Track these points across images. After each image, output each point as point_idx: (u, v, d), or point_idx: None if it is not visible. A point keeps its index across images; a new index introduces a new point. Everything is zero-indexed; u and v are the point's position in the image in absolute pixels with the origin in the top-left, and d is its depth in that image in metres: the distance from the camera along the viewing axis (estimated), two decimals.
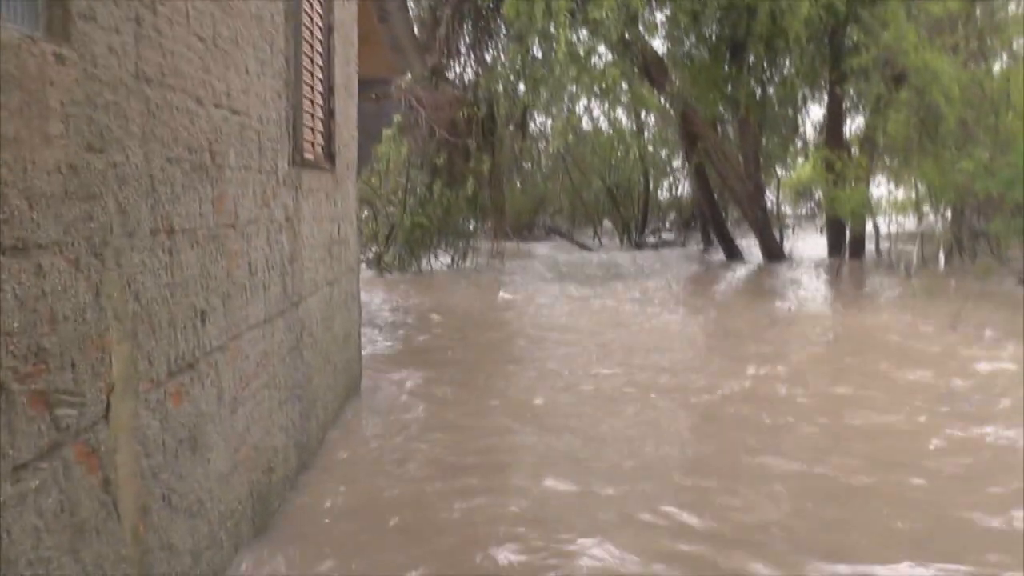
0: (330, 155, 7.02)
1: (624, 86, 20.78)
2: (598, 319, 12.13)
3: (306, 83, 6.09)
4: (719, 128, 22.00)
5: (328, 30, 7.01)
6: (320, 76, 6.72)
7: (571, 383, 8.22)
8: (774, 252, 21.05)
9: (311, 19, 6.32)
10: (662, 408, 7.34)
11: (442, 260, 19.32)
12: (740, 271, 19.47)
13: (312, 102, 6.34)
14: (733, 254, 22.35)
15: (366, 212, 19.49)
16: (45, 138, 2.46)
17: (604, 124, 27.62)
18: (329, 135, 7.01)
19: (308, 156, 6.10)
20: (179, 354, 3.47)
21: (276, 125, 5.12)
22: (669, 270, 19.50)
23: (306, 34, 6.12)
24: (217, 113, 3.96)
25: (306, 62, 6.10)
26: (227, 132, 4.10)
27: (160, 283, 3.28)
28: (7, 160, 2.26)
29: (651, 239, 26.86)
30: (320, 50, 6.73)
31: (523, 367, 8.99)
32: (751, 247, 22.34)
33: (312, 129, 6.33)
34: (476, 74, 19.62)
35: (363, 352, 8.82)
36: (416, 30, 18.86)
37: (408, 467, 5.84)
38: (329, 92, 7.02)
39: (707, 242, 24.20)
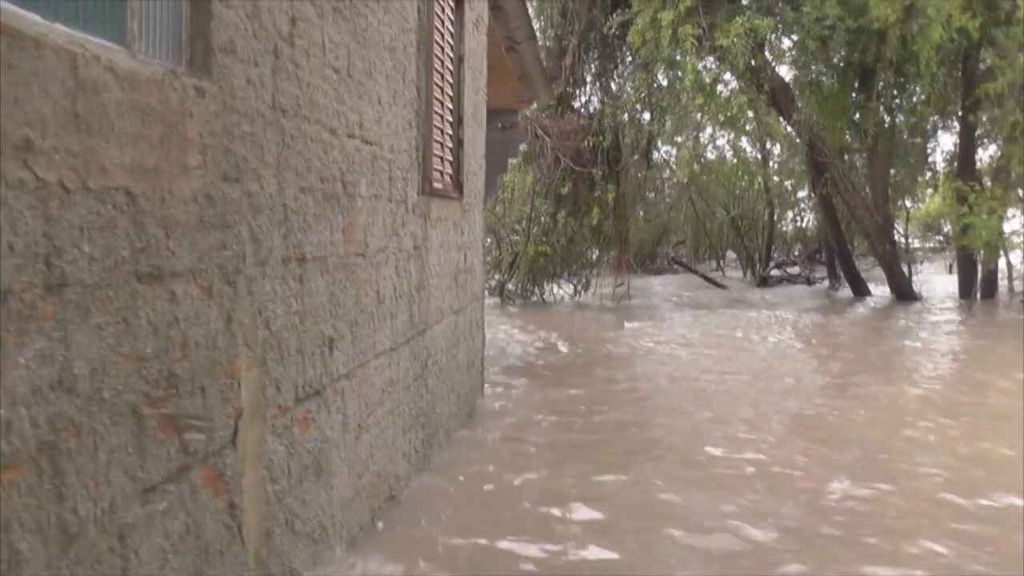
0: (458, 184, 7.07)
1: (750, 114, 20.53)
2: (727, 354, 11.85)
3: (436, 113, 6.16)
4: (846, 158, 21.46)
5: (458, 60, 7.08)
6: (450, 106, 6.79)
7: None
8: (903, 289, 20.32)
9: (442, 49, 6.38)
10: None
11: (565, 289, 19.30)
12: (868, 311, 18.79)
13: (442, 131, 6.40)
14: (861, 290, 21.71)
15: (490, 240, 19.61)
16: (183, 168, 2.51)
17: (729, 153, 27.37)
18: (458, 164, 7.06)
19: (437, 185, 6.15)
20: (307, 381, 3.51)
21: (407, 154, 5.17)
22: (794, 305, 18.99)
23: (437, 64, 6.19)
24: (350, 143, 4.02)
25: (436, 92, 6.17)
26: (359, 162, 4.15)
27: (290, 311, 3.33)
28: (146, 190, 2.32)
29: (775, 272, 26.32)
30: (450, 80, 6.80)
31: (635, 399, 8.86)
32: (879, 282, 21.70)
33: (441, 158, 6.38)
34: (602, 103, 19.59)
35: (485, 379, 8.85)
36: (543, 59, 19.03)
37: (518, 497, 5.78)
38: (458, 121, 7.09)
39: (833, 276, 23.60)
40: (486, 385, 8.86)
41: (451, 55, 6.85)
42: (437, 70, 6.21)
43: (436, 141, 6.16)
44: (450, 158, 6.81)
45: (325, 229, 3.71)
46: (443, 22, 6.42)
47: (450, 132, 6.81)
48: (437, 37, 6.19)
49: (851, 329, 14.73)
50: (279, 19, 3.20)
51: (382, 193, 4.60)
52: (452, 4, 6.81)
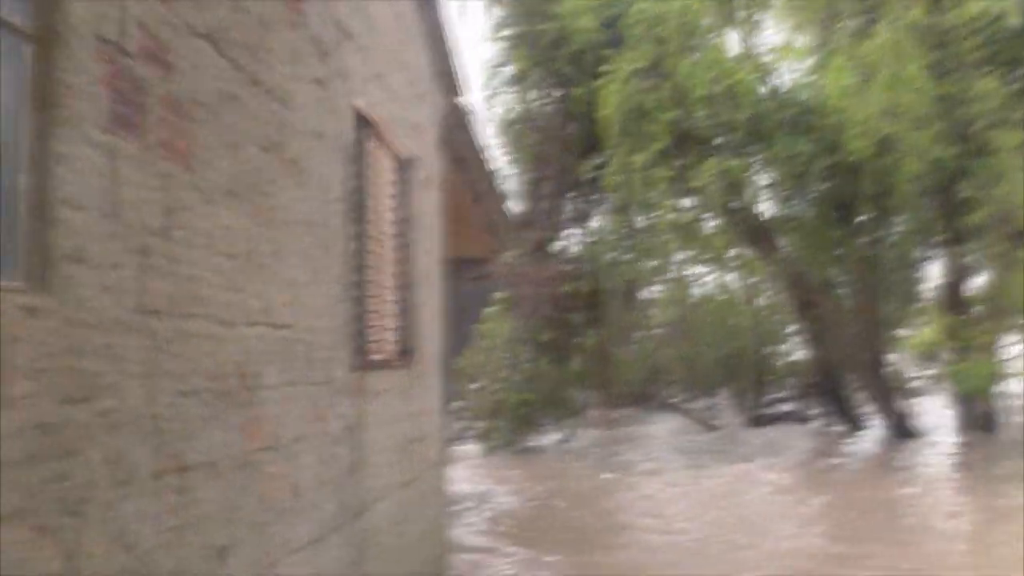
0: (406, 351, 6.82)
1: (732, 252, 20.49)
2: (708, 510, 11.36)
3: (374, 281, 5.95)
4: (833, 292, 21.19)
5: (404, 222, 6.92)
6: (394, 271, 6.60)
7: None
8: (900, 426, 19.70)
9: (381, 215, 6.21)
10: None
11: (550, 436, 18.89)
12: (860, 450, 18.27)
13: (382, 300, 6.18)
14: (855, 426, 21.20)
15: (474, 385, 19.34)
16: (5, 402, 2.26)
17: (715, 290, 27.20)
18: (405, 331, 6.83)
19: (376, 357, 5.91)
20: None
21: (333, 332, 4.93)
22: (786, 448, 18.47)
23: (374, 231, 6.01)
24: (251, 332, 3.78)
25: (374, 260, 5.97)
26: (264, 351, 3.91)
27: (163, 528, 3.04)
28: None
29: (768, 410, 25.80)
30: (394, 244, 6.62)
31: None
32: (875, 417, 21.17)
33: (382, 328, 6.15)
34: (580, 246, 19.56)
35: (454, 536, 8.56)
36: (519, 204, 19.07)
37: None
38: (405, 285, 6.88)
39: (828, 414, 23.05)
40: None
41: (395, 218, 6.69)
42: (375, 237, 6.03)
43: (375, 312, 5.94)
44: (395, 325, 6.58)
45: (217, 430, 3.44)
46: (382, 186, 6.28)
47: (395, 298, 6.60)
48: (374, 203, 6.03)
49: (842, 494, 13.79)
50: (149, 213, 2.99)
51: (298, 379, 4.35)
52: (395, 165, 6.68)
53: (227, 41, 3.62)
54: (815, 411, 24.30)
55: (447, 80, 8.63)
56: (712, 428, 23.27)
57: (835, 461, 16.84)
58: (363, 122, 5.75)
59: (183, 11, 3.25)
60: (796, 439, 20.36)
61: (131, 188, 2.87)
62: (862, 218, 18.93)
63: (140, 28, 2.94)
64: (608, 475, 14.40)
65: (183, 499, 3.18)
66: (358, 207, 5.65)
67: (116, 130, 2.78)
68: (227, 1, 3.65)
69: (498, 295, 17.53)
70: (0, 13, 2.39)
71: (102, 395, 2.69)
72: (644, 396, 27.38)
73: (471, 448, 18.18)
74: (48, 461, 2.43)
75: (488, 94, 19.80)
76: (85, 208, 2.62)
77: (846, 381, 22.75)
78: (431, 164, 8.02)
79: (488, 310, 17.30)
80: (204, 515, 3.33)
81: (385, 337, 6.27)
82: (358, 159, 5.66)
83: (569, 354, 18.17)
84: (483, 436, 18.29)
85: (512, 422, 18.11)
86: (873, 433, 20.31)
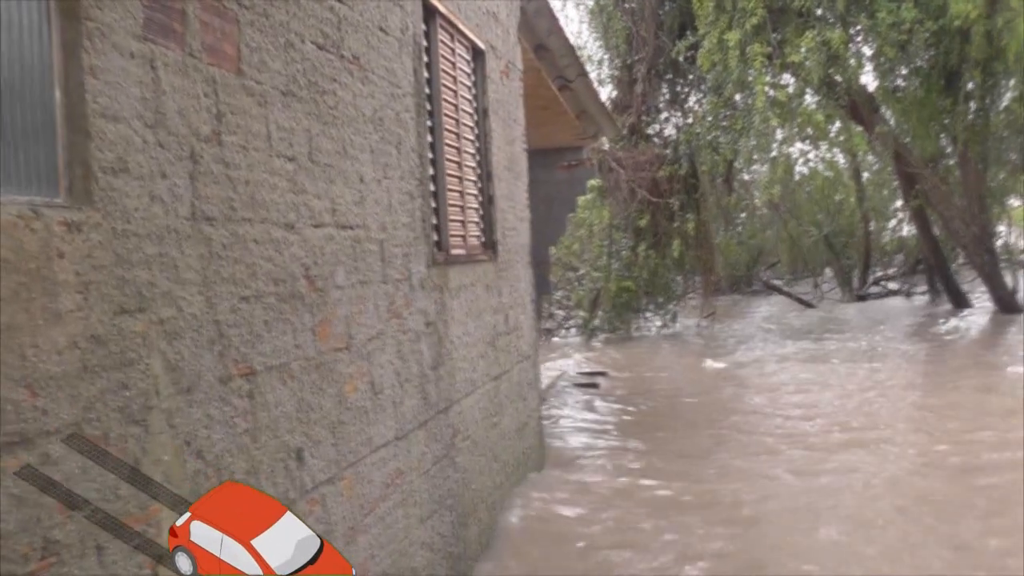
0: (490, 243, 6.79)
1: (834, 128, 19.86)
2: (816, 399, 11.06)
3: (452, 175, 5.90)
4: (939, 165, 20.41)
5: (482, 113, 6.82)
6: (473, 163, 6.53)
7: None
8: (1006, 301, 19.18)
9: (455, 107, 6.12)
10: None
11: (651, 323, 18.80)
12: (966, 326, 17.78)
13: (462, 193, 6.13)
14: (960, 303, 20.69)
15: (571, 275, 19.31)
16: (53, 316, 2.28)
17: (818, 168, 26.50)
18: (488, 223, 6.79)
19: (458, 251, 5.89)
20: None
21: (407, 228, 4.90)
22: (890, 327, 18.04)
23: (450, 124, 5.93)
24: (316, 233, 3.76)
25: (451, 153, 5.92)
26: (331, 251, 3.90)
27: (235, 432, 3.07)
28: None
29: (874, 288, 25.34)
30: (471, 136, 6.53)
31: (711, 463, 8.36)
32: (982, 294, 20.57)
33: (463, 221, 6.12)
34: (676, 129, 19.13)
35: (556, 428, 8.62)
36: (612, 90, 18.74)
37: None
38: (487, 177, 6.82)
39: (933, 290, 22.51)
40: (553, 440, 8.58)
41: (471, 110, 6.59)
42: (450, 130, 5.95)
43: (454, 205, 5.90)
44: (477, 219, 6.54)
45: (285, 333, 3.46)
46: (455, 78, 6.17)
47: (475, 191, 6.55)
48: (448, 95, 5.93)
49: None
50: (196, 119, 2.96)
51: (371, 277, 4.34)
52: (467, 57, 6.56)
53: None
54: (920, 288, 23.82)
55: None
56: (811, 307, 23.01)
57: (932, 335, 16.48)
58: (431, 13, 5.64)
59: None
60: (898, 316, 19.97)
61: (175, 96, 2.84)
62: (969, 86, 18.10)
63: None
64: (712, 360, 14.29)
65: (254, 403, 3.21)
66: (430, 100, 5.58)
67: (154, 38, 2.73)
68: None
69: (592, 183, 17.31)
70: None
71: (158, 304, 2.70)
72: (746, 279, 27.09)
73: (572, 338, 18.24)
74: (106, 372, 2.45)
75: None
76: (124, 119, 2.60)
77: (952, 257, 22.15)
78: (510, 53, 7.86)
79: (583, 198, 17.14)
80: (277, 417, 3.36)
81: (468, 231, 6.24)
82: (427, 52, 5.57)
83: (668, 239, 17.94)
84: (584, 325, 18.30)
85: (613, 310, 18.07)
86: (978, 309, 19.78)
